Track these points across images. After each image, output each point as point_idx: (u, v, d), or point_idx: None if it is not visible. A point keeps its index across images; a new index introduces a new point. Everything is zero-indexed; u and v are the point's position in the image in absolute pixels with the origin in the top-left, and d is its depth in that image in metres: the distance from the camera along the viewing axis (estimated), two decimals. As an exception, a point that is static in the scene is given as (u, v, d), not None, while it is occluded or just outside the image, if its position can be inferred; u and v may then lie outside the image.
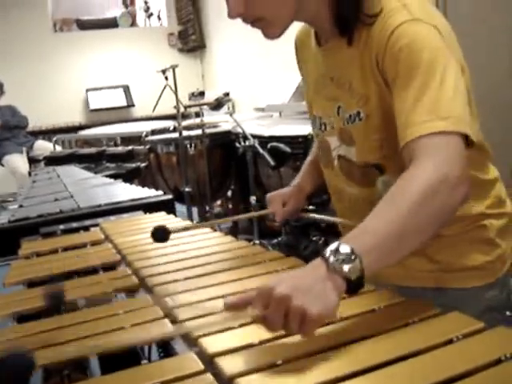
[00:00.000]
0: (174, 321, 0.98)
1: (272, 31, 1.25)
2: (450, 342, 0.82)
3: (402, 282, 1.28)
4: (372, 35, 1.20)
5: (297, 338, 0.85)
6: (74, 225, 1.89)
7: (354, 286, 0.87)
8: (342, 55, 1.29)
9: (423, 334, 0.85)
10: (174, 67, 4.56)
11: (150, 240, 1.54)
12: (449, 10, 3.52)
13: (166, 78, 4.78)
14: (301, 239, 3.78)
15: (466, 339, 0.83)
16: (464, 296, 1.31)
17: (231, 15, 1.22)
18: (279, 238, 3.91)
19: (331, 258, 0.87)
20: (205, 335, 0.89)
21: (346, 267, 0.86)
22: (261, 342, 0.86)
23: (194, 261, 1.32)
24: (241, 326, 0.91)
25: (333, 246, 0.88)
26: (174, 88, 4.58)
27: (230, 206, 5.31)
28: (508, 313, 2.73)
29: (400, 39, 1.13)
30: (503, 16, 3.30)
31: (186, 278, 1.20)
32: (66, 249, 1.60)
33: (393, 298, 1.00)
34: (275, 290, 0.83)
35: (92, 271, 1.37)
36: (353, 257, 0.87)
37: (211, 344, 0.86)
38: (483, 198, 1.34)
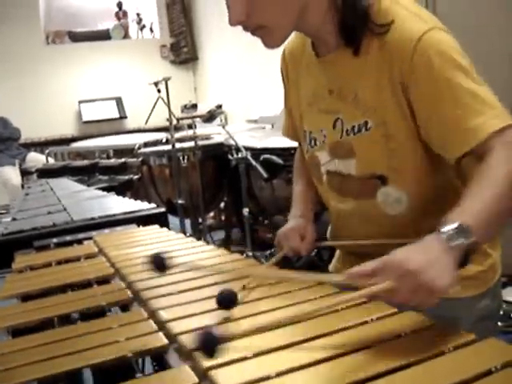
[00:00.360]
0: (167, 334, 0.99)
1: (272, 40, 1.25)
2: (442, 353, 0.83)
3: None
4: (390, 46, 1.20)
5: (291, 350, 0.86)
6: (68, 238, 1.89)
7: (466, 257, 0.97)
8: (345, 66, 1.29)
9: (415, 346, 0.86)
10: (166, 80, 4.58)
11: (145, 253, 1.55)
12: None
13: (159, 91, 4.79)
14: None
15: (457, 351, 0.84)
16: (458, 306, 1.32)
17: (232, 23, 1.21)
18: (272, 250, 3.92)
19: (450, 233, 0.95)
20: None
21: (461, 242, 0.94)
22: (255, 355, 0.86)
23: (187, 274, 1.32)
24: (233, 339, 0.92)
25: (447, 224, 0.96)
26: (166, 100, 4.60)
27: (223, 217, 5.32)
28: (499, 323, 2.74)
29: (428, 47, 1.15)
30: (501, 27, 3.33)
31: (180, 292, 1.20)
32: (59, 262, 1.60)
33: (384, 309, 1.01)
34: (406, 265, 0.90)
35: (86, 285, 1.37)
36: (467, 231, 0.95)
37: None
38: None
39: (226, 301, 1.06)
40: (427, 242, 0.96)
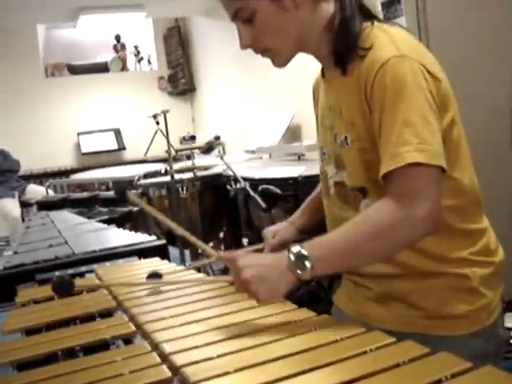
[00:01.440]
0: (171, 367, 1.00)
1: (278, 61, 1.43)
2: (439, 382, 0.85)
3: (388, 326, 1.31)
4: (362, 66, 1.31)
5: (291, 381, 0.88)
6: (70, 271, 1.90)
7: (302, 283, 1.16)
8: (337, 85, 1.41)
9: (413, 375, 0.88)
10: (164, 112, 4.62)
11: (146, 286, 1.57)
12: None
13: (158, 123, 4.83)
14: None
15: (454, 379, 0.85)
16: (447, 344, 1.32)
17: (242, 47, 1.40)
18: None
19: (291, 259, 1.15)
20: (202, 380, 0.91)
21: (299, 271, 1.15)
22: (257, 386, 0.88)
23: (190, 306, 1.34)
24: (236, 370, 0.94)
25: (296, 248, 1.16)
26: (165, 133, 4.64)
27: (223, 247, 5.32)
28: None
29: (387, 74, 1.24)
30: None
31: (182, 324, 1.22)
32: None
33: (383, 339, 1.03)
34: (242, 274, 1.14)
35: (89, 318, 1.39)
36: (307, 263, 1.15)
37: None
38: (467, 247, 1.38)
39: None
40: (275, 258, 1.20)
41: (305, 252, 1.16)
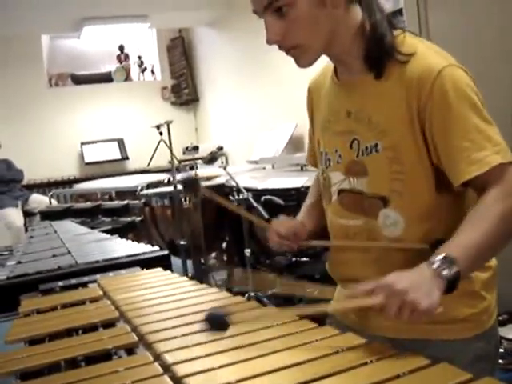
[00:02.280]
0: (173, 377, 1.01)
1: (304, 60, 1.38)
2: (439, 393, 0.86)
3: (391, 334, 1.32)
4: (409, 74, 1.31)
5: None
6: (73, 281, 1.91)
7: (450, 287, 1.12)
8: (365, 89, 1.39)
9: (413, 387, 0.89)
10: (168, 123, 4.64)
11: (149, 296, 1.58)
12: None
13: (161, 134, 4.86)
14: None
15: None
16: (451, 347, 1.35)
17: (269, 42, 1.35)
18: (274, 290, 3.93)
19: (436, 264, 1.12)
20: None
21: (446, 272, 1.11)
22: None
23: (192, 317, 1.35)
24: (238, 381, 0.95)
25: (438, 255, 1.14)
26: (168, 143, 4.66)
27: (225, 258, 5.33)
28: (500, 361, 2.74)
29: (446, 82, 1.27)
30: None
31: (184, 335, 1.23)
32: (65, 306, 1.62)
33: (384, 350, 1.04)
34: (396, 285, 1.08)
35: (92, 328, 1.40)
36: (452, 263, 1.12)
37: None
38: None
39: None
40: (417, 269, 1.14)
41: (446, 254, 1.14)
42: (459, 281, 1.13)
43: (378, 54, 1.35)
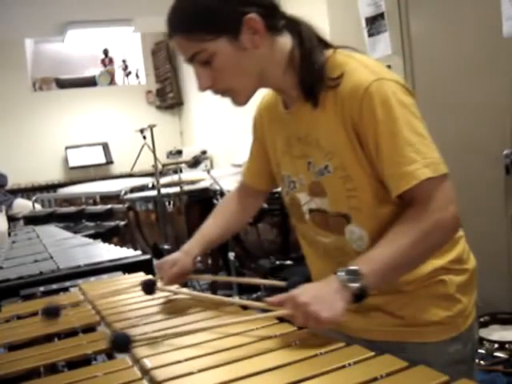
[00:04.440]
0: (152, 381, 1.01)
1: (239, 100, 1.40)
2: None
3: (368, 335, 1.33)
4: (341, 96, 1.31)
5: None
6: (54, 286, 1.90)
7: (357, 298, 1.16)
8: (308, 117, 1.40)
9: (391, 389, 0.89)
10: (151, 127, 4.64)
11: (130, 301, 1.58)
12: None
13: (144, 138, 4.84)
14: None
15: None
16: (426, 350, 1.37)
17: (201, 88, 1.37)
18: (258, 293, 3.94)
19: (342, 276, 1.16)
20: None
21: (352, 284, 1.15)
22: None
23: (172, 321, 1.35)
24: (216, 385, 0.95)
25: (346, 268, 1.17)
26: (151, 147, 4.65)
27: (210, 261, 5.33)
28: (482, 362, 2.76)
29: (373, 98, 1.26)
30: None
31: (165, 339, 1.22)
32: (45, 311, 1.62)
33: (362, 353, 1.04)
34: (299, 298, 1.13)
35: (72, 333, 1.39)
36: (358, 276, 1.16)
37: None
38: (444, 255, 1.42)
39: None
40: (327, 280, 1.19)
41: (355, 267, 1.18)
42: (366, 293, 1.17)
43: (309, 82, 1.36)
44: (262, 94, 1.61)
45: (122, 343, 1.17)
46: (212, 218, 1.77)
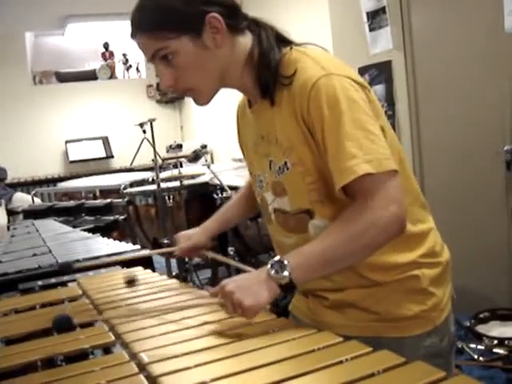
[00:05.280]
0: (148, 376, 1.01)
1: (201, 99, 1.44)
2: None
3: (343, 331, 1.32)
4: (293, 93, 1.33)
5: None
6: (52, 280, 1.90)
7: (284, 289, 1.21)
8: (267, 115, 1.42)
9: (388, 385, 0.89)
10: (151, 121, 4.63)
11: (127, 295, 1.58)
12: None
13: (144, 132, 4.84)
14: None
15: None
16: (402, 344, 1.37)
17: (162, 87, 1.41)
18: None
19: (270, 268, 1.22)
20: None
21: (277, 275, 1.21)
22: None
23: (170, 316, 1.35)
24: (213, 380, 0.94)
25: (274, 259, 1.22)
26: (151, 141, 4.64)
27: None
28: (481, 358, 2.75)
29: (320, 94, 1.26)
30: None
31: (162, 334, 1.22)
32: (44, 305, 1.61)
33: (360, 348, 1.04)
34: (225, 287, 1.21)
35: (69, 328, 1.38)
36: (285, 269, 1.21)
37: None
38: (414, 249, 1.42)
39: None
40: (257, 271, 1.26)
41: (282, 259, 1.22)
42: (292, 284, 1.21)
43: (265, 81, 1.38)
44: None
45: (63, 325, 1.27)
46: (232, 200, 1.91)
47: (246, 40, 1.40)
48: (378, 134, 1.27)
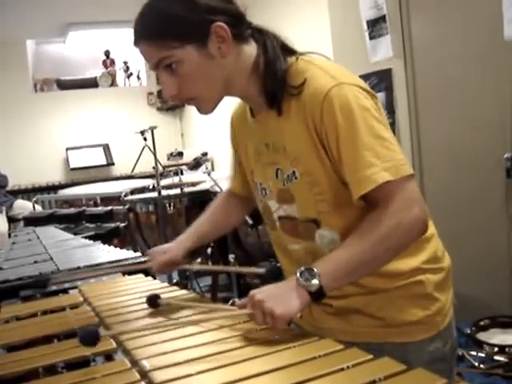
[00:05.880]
0: (150, 383, 1.01)
1: (204, 109, 1.42)
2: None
3: (348, 337, 1.33)
4: (303, 102, 1.32)
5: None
6: (54, 288, 1.90)
7: (315, 297, 1.21)
8: (273, 124, 1.42)
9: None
10: (152, 128, 4.64)
11: (128, 303, 1.58)
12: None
13: (145, 139, 4.85)
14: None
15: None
16: (406, 350, 1.39)
17: (166, 97, 1.39)
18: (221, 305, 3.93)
19: (299, 276, 1.21)
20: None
21: (307, 283, 1.20)
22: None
23: (171, 323, 1.35)
24: (215, 387, 0.95)
25: (303, 268, 1.21)
26: (152, 149, 4.65)
27: (210, 263, 5.33)
28: (482, 366, 2.75)
29: (333, 104, 1.27)
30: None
31: (164, 341, 1.23)
32: (45, 312, 1.62)
33: (361, 356, 1.04)
34: (255, 297, 1.19)
35: (71, 334, 1.39)
36: (315, 277, 1.20)
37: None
38: (417, 255, 1.43)
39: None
40: (287, 280, 1.26)
41: (312, 267, 1.22)
42: (323, 292, 1.21)
43: (272, 90, 1.37)
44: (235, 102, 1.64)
45: (90, 338, 1.19)
46: (205, 214, 1.83)
47: (250, 49, 1.40)
48: (392, 140, 1.29)
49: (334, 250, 1.29)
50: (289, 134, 1.38)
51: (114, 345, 1.25)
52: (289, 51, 1.42)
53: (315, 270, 1.21)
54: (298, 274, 1.21)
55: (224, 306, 1.51)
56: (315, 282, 1.20)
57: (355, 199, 1.28)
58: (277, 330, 1.18)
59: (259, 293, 1.20)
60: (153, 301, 1.51)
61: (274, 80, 1.36)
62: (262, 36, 1.42)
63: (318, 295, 1.21)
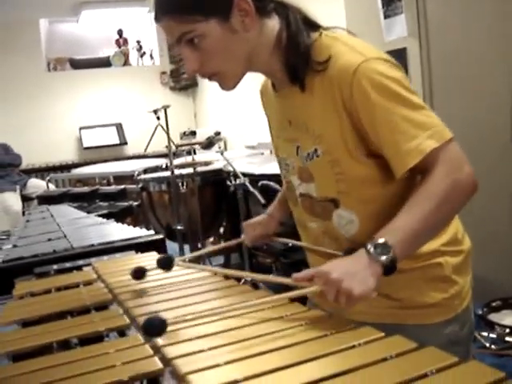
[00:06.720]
0: (163, 358, 1.02)
1: (227, 84, 1.39)
2: (425, 376, 0.86)
3: (364, 318, 1.32)
4: (329, 79, 1.30)
5: (278, 374, 0.89)
6: (68, 265, 1.92)
7: (388, 270, 1.16)
8: (295, 100, 1.40)
9: (400, 369, 0.89)
10: (165, 108, 4.63)
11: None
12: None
13: (158, 118, 4.85)
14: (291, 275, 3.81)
15: (440, 373, 0.87)
16: (423, 332, 1.37)
17: (188, 72, 1.37)
18: (270, 275, 3.94)
19: (371, 250, 1.16)
20: (193, 372, 0.93)
21: (382, 257, 1.16)
22: (246, 379, 0.89)
23: (184, 300, 1.36)
24: (227, 363, 0.95)
25: (373, 242, 1.17)
26: (165, 128, 4.65)
27: (222, 242, 5.35)
28: (493, 346, 2.76)
29: (363, 80, 1.24)
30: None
31: (175, 317, 1.23)
32: (59, 289, 1.63)
33: (372, 334, 1.04)
34: (331, 274, 1.13)
35: (84, 311, 1.40)
36: (387, 249, 1.16)
37: (198, 380, 0.90)
38: (438, 237, 1.41)
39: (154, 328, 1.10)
40: (355, 255, 1.19)
41: (382, 240, 1.18)
42: (396, 264, 1.17)
43: (294, 65, 1.35)
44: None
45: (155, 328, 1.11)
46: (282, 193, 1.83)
47: (273, 23, 1.37)
48: (426, 107, 1.28)
49: (396, 216, 1.23)
50: (312, 111, 1.36)
51: (128, 320, 1.26)
52: (312, 26, 1.39)
53: (387, 242, 1.17)
54: (372, 249, 1.17)
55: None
56: (389, 256, 1.16)
57: (402, 173, 1.26)
58: (347, 307, 1.14)
59: (334, 270, 1.14)
60: (138, 273, 1.56)
61: (297, 54, 1.33)
62: (284, 10, 1.38)
63: (390, 268, 1.17)
